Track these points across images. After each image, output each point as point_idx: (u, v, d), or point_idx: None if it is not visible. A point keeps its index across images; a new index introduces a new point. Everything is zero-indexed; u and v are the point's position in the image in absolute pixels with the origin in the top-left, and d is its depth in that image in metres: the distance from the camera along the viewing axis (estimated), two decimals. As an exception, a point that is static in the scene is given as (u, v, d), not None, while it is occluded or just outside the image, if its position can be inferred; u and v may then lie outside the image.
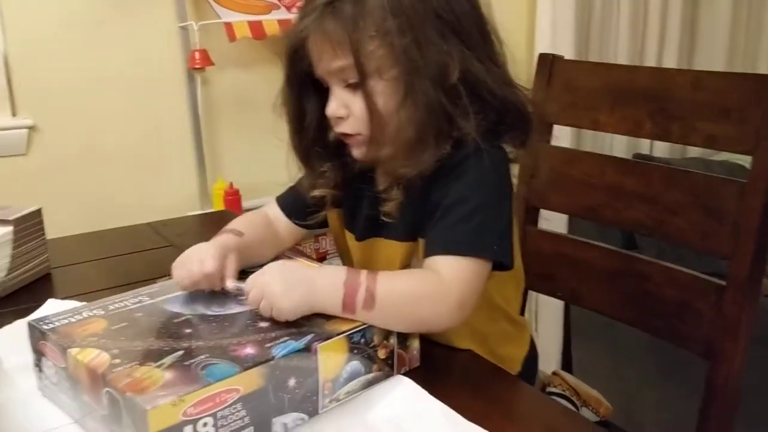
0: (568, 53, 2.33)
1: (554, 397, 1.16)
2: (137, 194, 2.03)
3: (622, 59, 2.55)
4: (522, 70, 0.96)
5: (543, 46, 2.37)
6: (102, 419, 0.73)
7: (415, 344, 0.89)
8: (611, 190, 1.23)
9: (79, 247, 1.42)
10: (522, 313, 1.19)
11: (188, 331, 0.82)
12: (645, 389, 1.95)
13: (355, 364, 0.82)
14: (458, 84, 0.87)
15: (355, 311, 0.83)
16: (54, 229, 1.32)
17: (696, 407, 1.11)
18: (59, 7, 1.86)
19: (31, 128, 1.87)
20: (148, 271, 1.22)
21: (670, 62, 2.64)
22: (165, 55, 2.01)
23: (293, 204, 1.09)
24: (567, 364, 1.83)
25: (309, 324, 0.83)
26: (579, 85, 1.31)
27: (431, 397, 0.82)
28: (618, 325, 1.25)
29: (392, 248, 0.98)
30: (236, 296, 0.91)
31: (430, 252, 0.88)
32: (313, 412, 0.79)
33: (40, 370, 0.84)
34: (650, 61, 2.61)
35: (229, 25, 1.98)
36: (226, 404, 0.70)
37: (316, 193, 1.01)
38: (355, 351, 0.82)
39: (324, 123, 0.95)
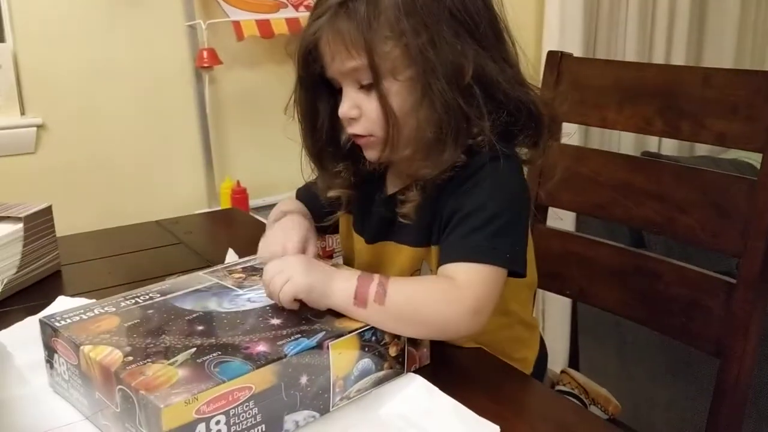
0: (577, 51, 2.33)
1: (564, 396, 1.16)
2: (145, 192, 2.04)
3: (630, 58, 2.54)
4: (530, 68, 0.96)
5: (551, 44, 2.37)
6: (114, 416, 0.73)
7: (426, 342, 0.89)
8: (620, 188, 1.23)
9: (88, 244, 1.43)
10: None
11: (200, 328, 0.82)
12: (654, 388, 1.95)
13: (367, 362, 0.82)
14: (472, 84, 0.86)
15: (367, 303, 0.83)
16: (63, 226, 1.32)
17: (705, 406, 1.10)
18: (68, 6, 1.86)
19: (40, 127, 1.87)
20: (158, 268, 1.23)
21: (678, 61, 2.63)
22: (173, 54, 2.01)
23: (310, 204, 1.09)
24: (575, 362, 1.83)
25: (321, 321, 0.83)
26: (587, 82, 1.30)
27: (443, 393, 0.82)
28: (626, 323, 1.25)
29: (403, 253, 0.97)
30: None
31: (445, 260, 0.87)
32: (324, 410, 0.79)
33: (52, 367, 0.84)
34: (658, 60, 2.60)
35: (237, 24, 1.98)
36: (239, 402, 0.70)
37: (332, 194, 1.01)
38: (367, 349, 0.82)
39: (337, 124, 0.95)
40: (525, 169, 0.95)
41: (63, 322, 0.83)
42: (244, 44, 2.02)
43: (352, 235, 1.07)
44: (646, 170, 1.21)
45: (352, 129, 0.92)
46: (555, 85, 1.32)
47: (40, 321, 0.85)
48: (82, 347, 0.77)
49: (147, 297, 0.90)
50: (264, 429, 0.73)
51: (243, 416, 0.71)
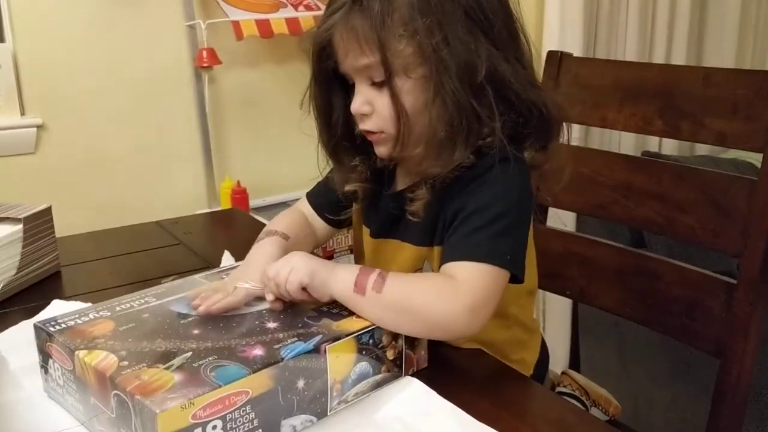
0: (577, 51, 2.32)
1: (564, 397, 1.16)
2: (145, 192, 2.04)
3: (631, 57, 2.53)
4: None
5: (551, 44, 2.36)
6: (110, 422, 0.73)
7: (423, 344, 0.89)
8: (621, 188, 1.23)
9: (87, 245, 1.42)
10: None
11: (196, 332, 0.81)
12: (654, 388, 1.94)
13: (364, 365, 0.82)
14: (485, 83, 0.86)
15: (365, 291, 0.83)
16: (62, 227, 1.32)
17: (706, 406, 1.10)
18: (68, 6, 1.86)
19: (40, 127, 1.87)
20: (157, 269, 1.23)
21: (679, 61, 2.63)
22: (172, 54, 2.01)
23: (325, 201, 1.09)
24: (575, 363, 1.83)
25: (317, 325, 0.82)
26: (587, 82, 1.30)
27: (440, 397, 0.82)
28: (627, 323, 1.24)
29: (406, 251, 0.97)
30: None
31: (447, 258, 0.87)
32: (321, 414, 0.79)
33: (46, 372, 0.84)
34: (658, 60, 2.59)
35: (236, 24, 1.98)
36: (236, 406, 0.70)
37: (349, 187, 1.00)
38: (364, 352, 0.82)
39: (351, 118, 0.94)
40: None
41: (58, 327, 0.82)
42: (243, 44, 2.02)
43: (362, 228, 1.07)
44: (646, 170, 1.20)
45: (364, 125, 0.92)
46: (555, 85, 1.32)
47: (35, 326, 0.84)
48: (76, 352, 0.76)
49: (142, 301, 0.90)
50: (260, 433, 0.73)
51: (240, 421, 0.70)
